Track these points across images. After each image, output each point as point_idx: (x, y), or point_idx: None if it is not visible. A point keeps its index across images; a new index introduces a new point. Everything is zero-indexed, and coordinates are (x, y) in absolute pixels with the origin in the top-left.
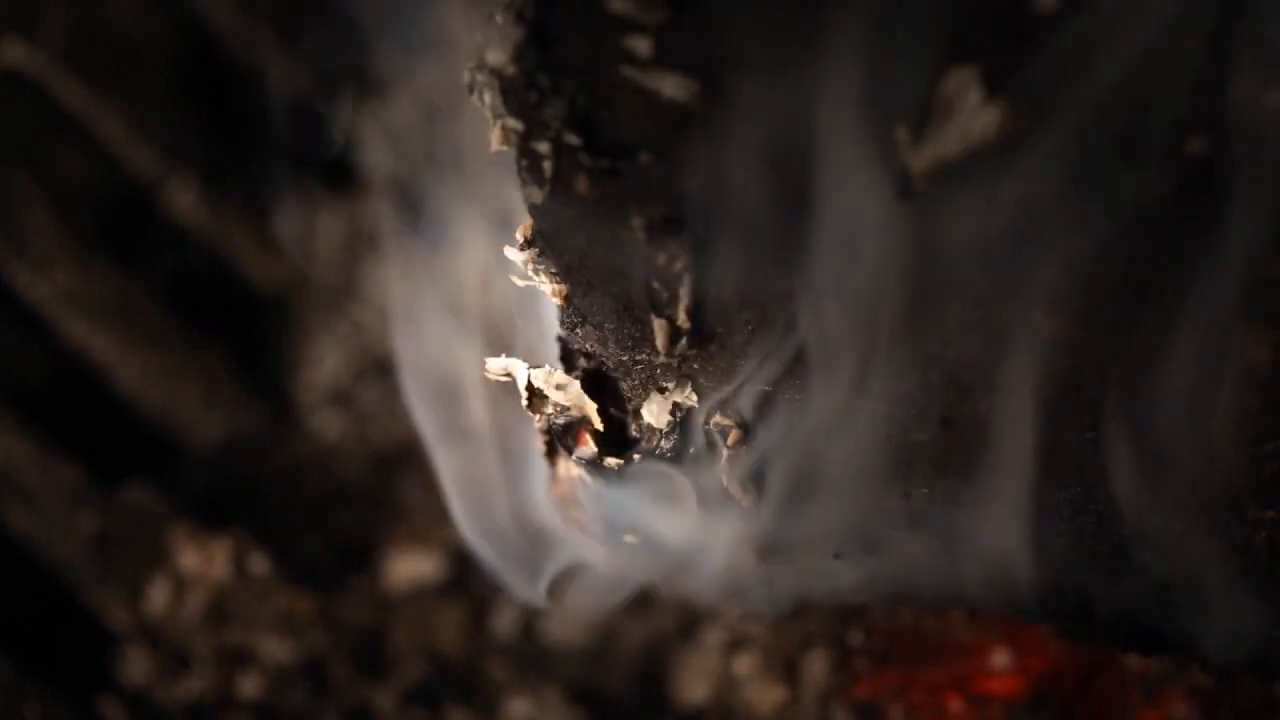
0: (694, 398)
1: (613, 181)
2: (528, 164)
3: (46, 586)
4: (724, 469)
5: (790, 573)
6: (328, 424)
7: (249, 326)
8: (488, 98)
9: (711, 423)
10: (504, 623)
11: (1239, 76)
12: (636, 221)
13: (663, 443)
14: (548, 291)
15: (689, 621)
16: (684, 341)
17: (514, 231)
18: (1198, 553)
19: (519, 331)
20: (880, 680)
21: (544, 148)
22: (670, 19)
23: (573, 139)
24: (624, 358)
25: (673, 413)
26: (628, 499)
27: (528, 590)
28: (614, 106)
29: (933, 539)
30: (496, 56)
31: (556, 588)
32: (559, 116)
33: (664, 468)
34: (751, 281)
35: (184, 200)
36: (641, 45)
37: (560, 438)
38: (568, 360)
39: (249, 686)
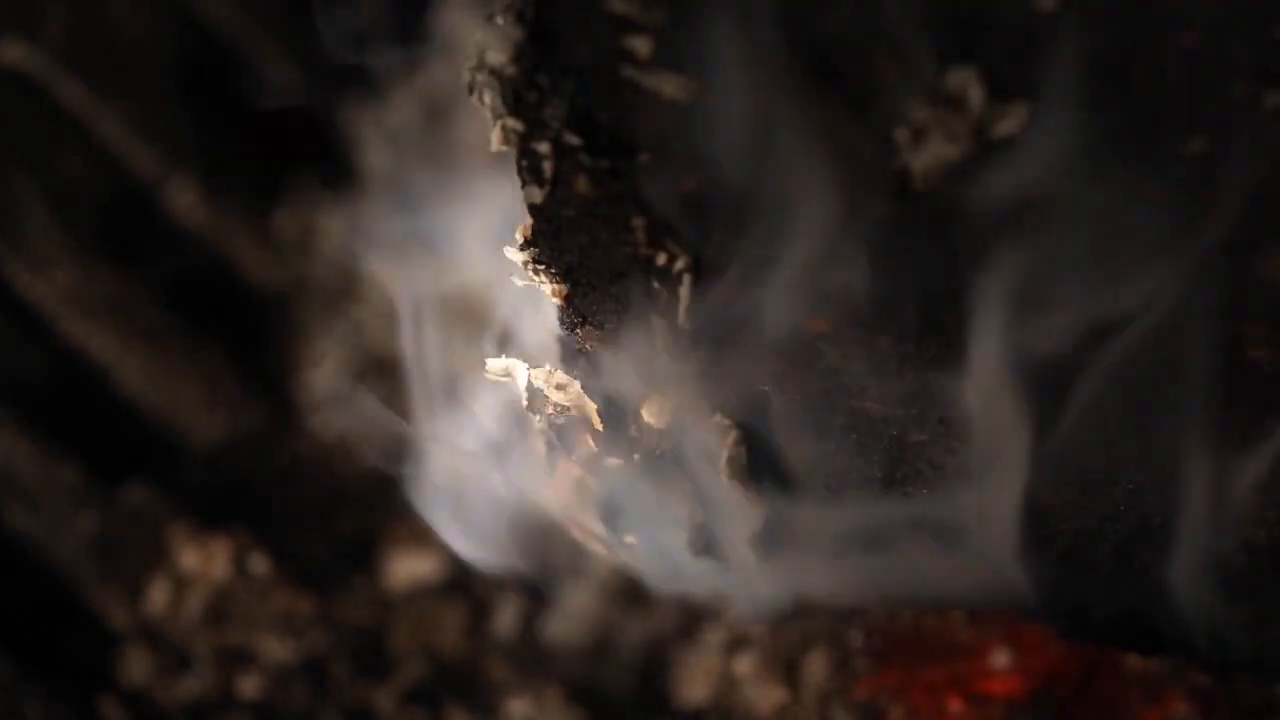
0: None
1: (613, 181)
2: (528, 164)
3: (46, 586)
4: (724, 469)
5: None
6: (328, 424)
7: (249, 326)
8: (488, 98)
9: (711, 423)
10: (504, 623)
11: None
12: (636, 221)
13: (663, 443)
14: (548, 291)
15: (689, 621)
16: (684, 341)
17: (514, 231)
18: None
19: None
20: (880, 680)
21: (544, 148)
22: (670, 19)
23: (573, 139)
24: None
25: (673, 413)
26: (628, 499)
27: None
28: (614, 106)
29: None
30: (496, 56)
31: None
32: (559, 116)
33: (664, 467)
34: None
35: (184, 200)
36: (641, 45)
37: (560, 438)
38: (568, 360)
39: (249, 686)
